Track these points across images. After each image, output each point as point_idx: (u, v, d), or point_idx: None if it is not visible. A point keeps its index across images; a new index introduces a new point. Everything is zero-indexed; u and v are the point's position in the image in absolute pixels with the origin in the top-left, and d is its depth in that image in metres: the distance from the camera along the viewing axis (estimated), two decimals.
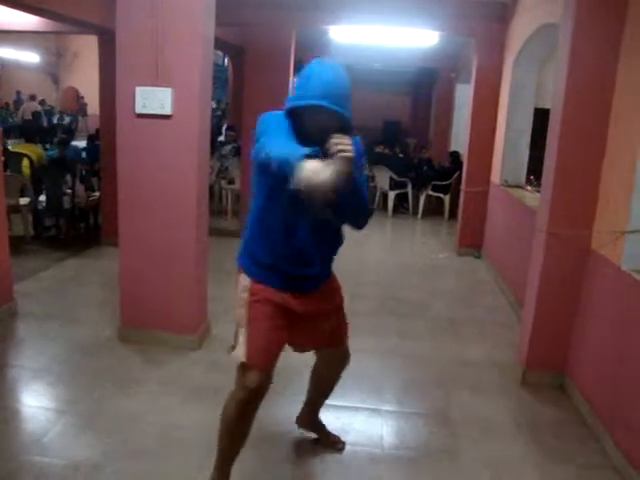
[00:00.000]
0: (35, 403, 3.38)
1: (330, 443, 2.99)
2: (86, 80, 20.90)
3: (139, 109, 3.68)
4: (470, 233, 7.09)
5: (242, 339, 2.36)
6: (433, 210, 9.78)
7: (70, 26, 6.13)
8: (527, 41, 5.60)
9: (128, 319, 4.07)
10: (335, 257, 2.50)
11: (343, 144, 1.93)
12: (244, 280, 2.39)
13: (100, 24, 5.45)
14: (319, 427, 3.02)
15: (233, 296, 2.45)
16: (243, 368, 2.35)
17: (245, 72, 7.12)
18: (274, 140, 2.11)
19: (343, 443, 3.00)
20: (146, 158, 3.78)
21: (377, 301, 5.25)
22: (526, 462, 2.99)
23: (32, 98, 16.79)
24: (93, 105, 21.26)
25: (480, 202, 6.91)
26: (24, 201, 6.55)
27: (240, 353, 2.35)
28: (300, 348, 2.64)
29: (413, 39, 7.69)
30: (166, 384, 3.55)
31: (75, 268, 5.83)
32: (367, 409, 3.41)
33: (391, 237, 8.76)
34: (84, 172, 7.10)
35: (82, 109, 21.63)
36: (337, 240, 2.44)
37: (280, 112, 2.26)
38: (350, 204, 2.16)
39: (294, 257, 2.33)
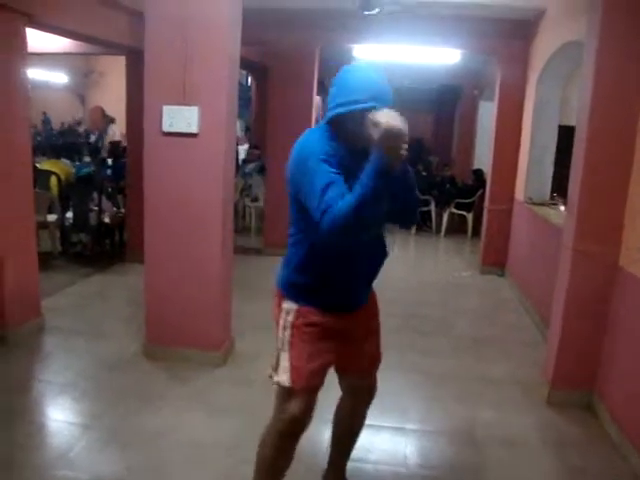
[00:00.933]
0: (61, 417, 3.43)
1: None
2: (111, 99, 21.34)
3: (166, 127, 3.74)
4: (493, 251, 7.03)
5: (285, 364, 2.20)
6: (456, 228, 9.74)
7: (100, 47, 6.27)
8: (550, 58, 5.59)
9: (153, 336, 4.10)
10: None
11: (390, 117, 1.79)
12: (287, 303, 2.24)
13: (128, 44, 5.57)
14: None
15: (274, 318, 2.32)
16: (286, 394, 2.20)
17: (269, 91, 7.21)
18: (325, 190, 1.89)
19: None
20: (172, 176, 3.83)
21: (401, 318, 5.22)
22: None
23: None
24: (119, 124, 21.69)
25: (504, 220, 6.86)
26: (52, 218, 6.67)
27: (283, 378, 2.20)
28: (343, 370, 2.45)
29: (436, 57, 7.73)
30: (191, 401, 3.57)
31: (101, 284, 5.90)
32: (390, 427, 3.39)
33: (414, 255, 8.73)
34: (110, 189, 7.21)
35: (106, 128, 21.98)
36: (384, 256, 2.31)
37: (318, 129, 2.13)
38: (403, 189, 2.04)
39: (345, 282, 2.21)
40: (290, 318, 2.22)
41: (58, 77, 18.50)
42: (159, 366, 3.99)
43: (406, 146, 1.82)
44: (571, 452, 3.22)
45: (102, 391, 3.67)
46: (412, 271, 7.45)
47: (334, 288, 2.20)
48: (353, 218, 1.82)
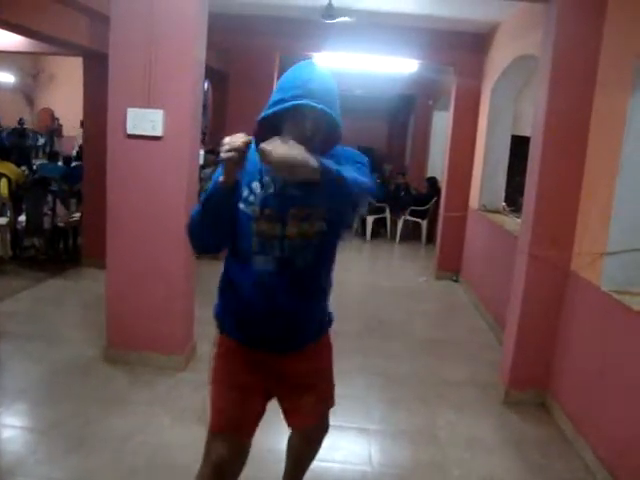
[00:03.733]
0: (19, 424, 3.35)
1: None
2: (61, 101, 20.87)
3: (130, 130, 3.73)
4: (448, 257, 7.21)
5: (209, 402, 1.98)
6: (410, 235, 9.92)
7: (56, 47, 6.16)
8: (504, 71, 5.80)
9: (114, 339, 4.05)
10: (325, 309, 2.11)
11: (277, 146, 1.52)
12: (216, 335, 2.04)
13: (87, 45, 5.49)
14: None
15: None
16: (209, 436, 1.96)
17: (228, 97, 7.21)
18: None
19: None
20: (136, 178, 3.81)
21: (360, 323, 5.31)
22: (513, 479, 3.05)
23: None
24: (67, 126, 21.25)
25: (458, 227, 7.05)
26: (2, 221, 6.50)
27: (208, 416, 1.96)
28: (284, 414, 2.14)
29: (393, 66, 7.88)
30: (155, 404, 3.55)
31: (55, 289, 5.78)
32: (354, 428, 3.45)
33: (370, 261, 8.85)
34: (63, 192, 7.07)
35: (57, 130, 21.52)
36: (324, 289, 2.02)
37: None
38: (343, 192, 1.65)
39: (267, 310, 1.90)
40: (215, 349, 2.02)
41: (4, 77, 18.01)
42: (120, 369, 3.94)
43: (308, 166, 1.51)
44: (529, 449, 3.35)
45: (62, 396, 3.60)
46: (369, 277, 7.55)
47: (248, 318, 1.93)
48: (193, 225, 1.84)
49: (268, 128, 1.74)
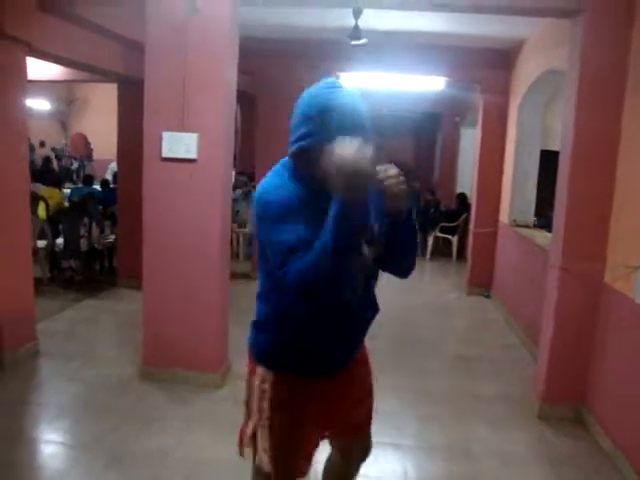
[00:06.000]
0: (60, 439, 3.45)
1: None
2: (94, 126, 21.42)
3: (165, 153, 3.84)
4: (479, 273, 7.19)
5: (266, 444, 1.88)
6: (441, 251, 9.89)
7: (92, 75, 6.36)
8: (531, 86, 5.81)
9: (150, 358, 4.14)
10: None
11: (390, 175, 1.59)
12: (261, 369, 1.91)
13: (121, 72, 5.68)
14: None
15: (247, 378, 2.01)
16: (267, 479, 1.90)
17: (257, 119, 7.34)
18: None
19: None
20: (171, 200, 3.92)
21: (392, 340, 5.32)
22: None
23: (42, 145, 17.14)
24: (99, 150, 21.78)
25: (489, 242, 7.03)
26: (41, 244, 6.68)
27: (264, 460, 1.88)
28: (332, 433, 2.12)
29: (420, 85, 7.94)
30: (193, 421, 3.61)
31: (92, 309, 5.91)
32: (389, 444, 3.45)
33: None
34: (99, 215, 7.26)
35: (88, 154, 22.06)
36: (373, 313, 1.98)
37: (278, 169, 1.81)
38: (405, 244, 1.82)
39: (324, 346, 1.85)
40: (267, 387, 1.88)
41: (40, 104, 18.56)
42: (157, 388, 4.02)
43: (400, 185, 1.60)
44: (564, 464, 3.32)
45: (101, 413, 3.69)
46: (400, 294, 7.53)
47: (313, 351, 1.85)
48: (313, 280, 1.55)
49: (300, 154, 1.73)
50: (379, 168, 1.59)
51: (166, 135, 3.82)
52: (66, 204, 8.16)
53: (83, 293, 6.37)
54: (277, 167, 1.82)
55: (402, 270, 1.94)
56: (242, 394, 3.78)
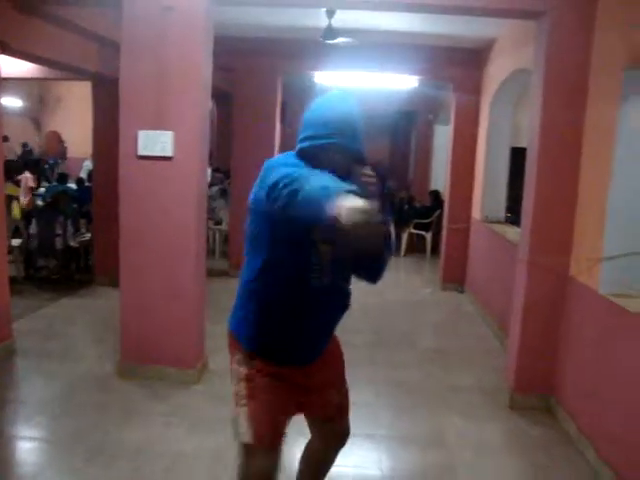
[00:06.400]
0: (39, 435, 3.47)
1: None
2: (67, 124, 21.19)
3: (141, 151, 3.88)
4: (453, 269, 7.32)
5: (244, 420, 2.02)
6: (415, 248, 10.02)
7: (66, 73, 6.35)
8: (501, 84, 5.95)
9: (128, 354, 4.17)
10: None
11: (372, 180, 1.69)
12: (239, 354, 2.10)
13: (96, 71, 5.68)
14: None
15: (229, 361, 2.16)
16: (249, 451, 2.03)
17: (233, 116, 7.37)
18: (305, 177, 1.72)
19: None
20: (147, 197, 3.95)
21: (368, 333, 5.41)
22: (520, 478, 3.15)
23: (5, 139, 16.81)
24: (72, 148, 21.56)
25: (462, 238, 7.17)
26: (16, 242, 6.65)
27: (245, 435, 2.02)
28: (309, 417, 2.31)
29: (394, 83, 8.04)
30: (170, 416, 3.66)
31: (69, 307, 5.91)
32: (365, 434, 3.54)
33: None
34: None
35: (62, 152, 21.82)
36: (344, 308, 2.15)
37: (290, 153, 2.02)
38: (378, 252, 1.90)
39: (303, 330, 2.05)
40: (243, 370, 2.07)
41: (11, 101, 18.31)
42: (135, 384, 4.05)
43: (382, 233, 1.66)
44: (534, 451, 3.45)
45: (80, 409, 3.72)
46: (376, 290, 7.60)
47: (289, 344, 2.06)
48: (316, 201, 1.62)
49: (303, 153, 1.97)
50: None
51: (142, 133, 3.85)
52: (39, 203, 8.13)
53: (59, 292, 6.35)
54: (287, 153, 2.04)
55: (372, 273, 2.05)
56: (216, 391, 3.86)
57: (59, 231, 6.63)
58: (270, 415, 2.04)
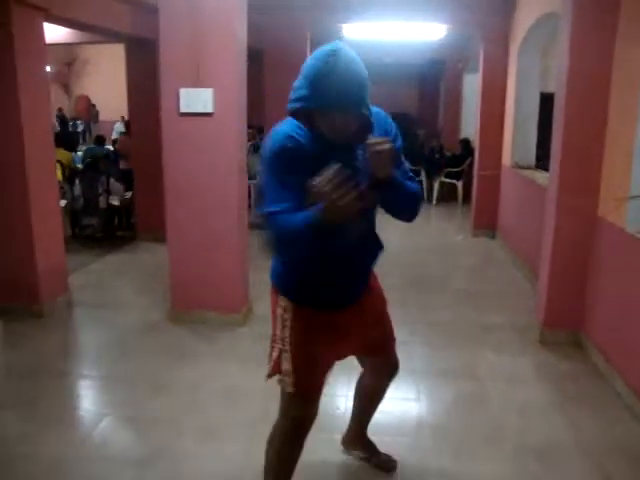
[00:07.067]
0: (104, 374, 3.77)
1: (381, 462, 2.76)
2: (97, 87, 21.47)
3: (183, 108, 4.07)
4: (484, 215, 7.46)
5: (288, 367, 2.12)
6: (447, 196, 10.13)
7: (100, 36, 6.53)
8: (529, 30, 5.95)
9: (177, 302, 4.46)
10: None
11: (380, 145, 1.74)
12: (282, 301, 2.16)
13: (130, 32, 5.85)
14: (367, 446, 2.78)
15: (271, 310, 2.25)
16: (291, 397, 2.15)
17: (264, 74, 7.51)
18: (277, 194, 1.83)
19: (395, 462, 2.76)
20: (190, 153, 4.17)
21: (402, 278, 5.62)
22: (549, 405, 3.37)
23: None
24: (101, 112, 21.86)
25: (492, 185, 7.28)
26: (62, 203, 6.96)
27: (287, 383, 2.13)
28: (358, 354, 2.42)
29: (422, 33, 8.04)
30: (221, 355, 3.96)
31: (116, 263, 6.23)
32: (402, 369, 3.76)
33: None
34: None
35: (94, 116, 22.17)
36: (378, 250, 2.21)
37: (290, 120, 1.92)
38: (396, 200, 1.99)
39: (335, 281, 2.11)
40: (288, 316, 2.13)
41: None
42: (185, 328, 4.36)
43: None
44: (565, 382, 3.65)
45: (138, 351, 4.04)
46: (408, 237, 7.81)
47: (324, 287, 2.11)
48: (285, 238, 1.83)
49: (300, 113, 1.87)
50: (372, 139, 1.77)
51: (183, 91, 4.04)
52: (79, 165, 8.42)
53: (104, 248, 6.68)
54: (288, 119, 1.94)
55: (404, 217, 2.13)
56: (262, 332, 4.13)
57: (101, 191, 6.91)
58: (313, 366, 2.15)
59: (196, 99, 4.03)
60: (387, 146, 1.76)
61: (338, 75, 1.73)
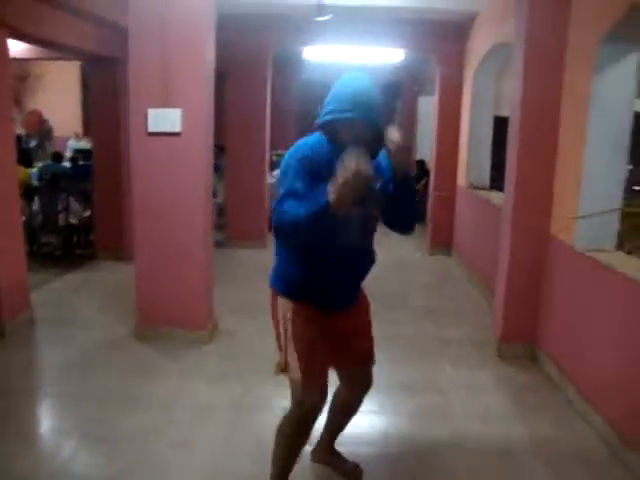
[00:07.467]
0: (72, 391, 3.72)
1: (348, 470, 2.86)
2: (50, 103, 21.06)
3: (151, 128, 4.13)
4: (440, 234, 7.70)
5: (294, 359, 2.33)
6: None
7: (58, 53, 6.47)
8: (484, 57, 6.24)
9: (143, 318, 4.47)
10: None
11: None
12: (282, 301, 2.38)
13: (92, 50, 5.85)
14: (336, 458, 2.91)
15: (272, 316, 2.46)
16: (301, 387, 2.32)
17: (226, 94, 7.58)
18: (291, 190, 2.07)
19: (361, 470, 2.86)
20: (158, 171, 4.22)
21: None
22: (509, 414, 3.55)
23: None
24: (56, 129, 21.42)
25: (448, 205, 7.53)
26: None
27: (296, 373, 2.32)
28: (337, 364, 2.59)
29: (381, 57, 8.26)
30: (188, 372, 3.99)
31: (77, 281, 6.15)
32: None
33: None
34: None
35: (47, 132, 21.70)
36: (370, 264, 2.49)
37: (315, 134, 2.26)
38: (401, 205, 2.29)
39: (330, 287, 2.36)
40: (288, 314, 2.35)
41: None
42: (151, 345, 4.37)
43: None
44: (522, 392, 3.84)
45: (104, 368, 4.03)
46: None
47: (320, 290, 2.35)
48: (297, 229, 2.02)
49: (326, 127, 2.22)
50: (393, 133, 2.11)
51: (151, 111, 4.10)
52: (35, 182, 8.28)
53: (64, 267, 6.59)
54: (315, 134, 2.27)
55: (404, 224, 2.42)
56: (228, 349, 4.16)
57: (61, 208, 6.84)
58: (314, 354, 2.35)
59: (164, 119, 4.10)
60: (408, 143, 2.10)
61: (360, 93, 2.15)
